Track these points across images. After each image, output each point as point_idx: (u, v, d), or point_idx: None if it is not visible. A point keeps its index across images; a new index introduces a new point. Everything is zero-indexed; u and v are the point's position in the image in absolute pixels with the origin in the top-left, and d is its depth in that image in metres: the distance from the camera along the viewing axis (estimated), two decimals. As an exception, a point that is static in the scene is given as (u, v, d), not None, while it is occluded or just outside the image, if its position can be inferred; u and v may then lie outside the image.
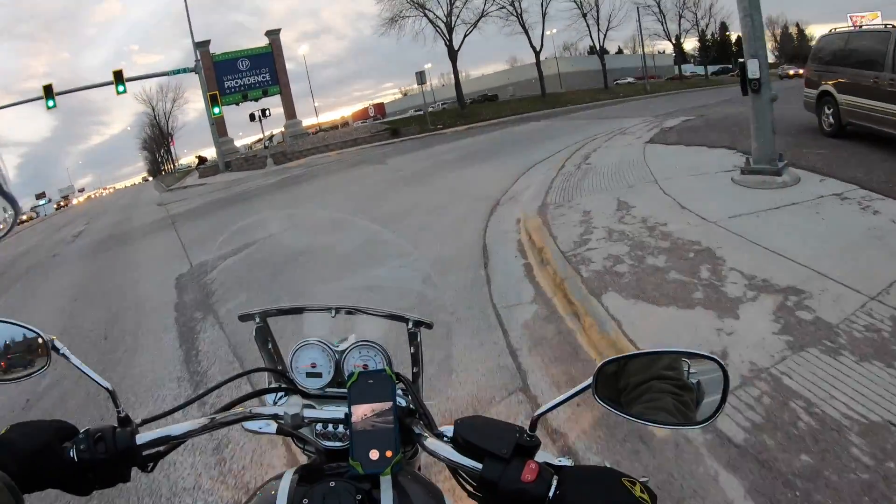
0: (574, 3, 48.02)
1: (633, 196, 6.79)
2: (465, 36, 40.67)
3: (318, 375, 1.06)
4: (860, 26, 10.44)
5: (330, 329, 1.14)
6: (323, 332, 1.12)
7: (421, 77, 33.87)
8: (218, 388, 1.00)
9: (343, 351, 1.08)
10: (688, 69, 69.13)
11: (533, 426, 0.81)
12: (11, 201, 0.38)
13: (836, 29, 9.44)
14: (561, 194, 7.53)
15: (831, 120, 8.91)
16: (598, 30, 50.50)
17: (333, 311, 1.14)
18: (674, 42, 58.86)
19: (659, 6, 55.33)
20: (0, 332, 0.94)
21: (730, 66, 73.88)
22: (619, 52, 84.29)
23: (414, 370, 1.12)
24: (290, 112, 38.22)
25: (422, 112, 39.04)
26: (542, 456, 0.78)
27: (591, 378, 0.82)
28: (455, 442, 0.82)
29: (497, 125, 27.01)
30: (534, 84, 53.37)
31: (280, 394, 1.08)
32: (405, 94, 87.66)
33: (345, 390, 0.92)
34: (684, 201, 6.14)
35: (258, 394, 1.01)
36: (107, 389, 0.90)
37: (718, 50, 67.94)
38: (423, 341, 1.13)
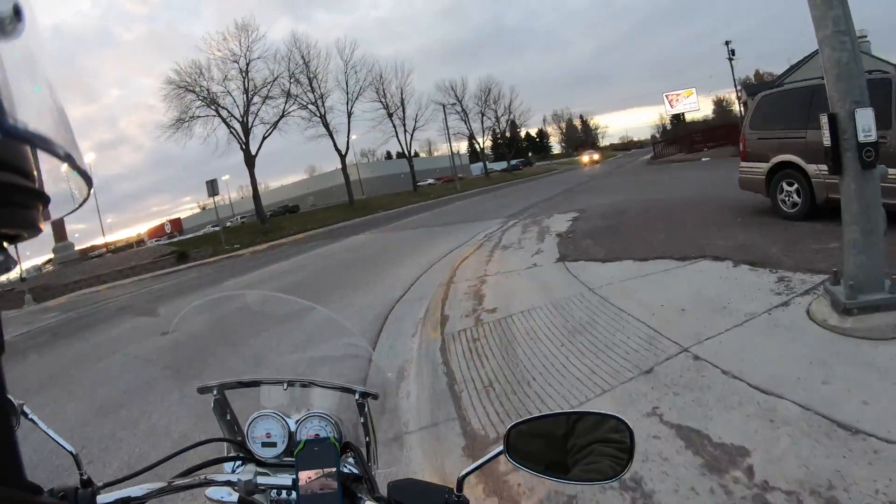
0: (380, 102, 46.62)
1: (701, 421, 2.75)
2: (265, 138, 34.99)
3: (273, 445, 1.10)
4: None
5: (283, 400, 1.17)
6: (278, 403, 1.16)
7: (212, 187, 27.31)
8: (178, 455, 1.02)
9: (296, 421, 1.11)
10: (478, 168, 73.48)
11: (459, 486, 0.89)
12: (85, 176, 0.37)
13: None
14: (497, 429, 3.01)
15: (795, 198, 6.94)
16: (405, 130, 49.46)
17: (286, 385, 1.18)
18: (477, 140, 61.91)
19: (461, 105, 57.48)
20: None
21: (523, 160, 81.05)
22: (416, 154, 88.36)
23: (366, 439, 1.15)
24: (59, 233, 28.96)
25: (218, 227, 33.43)
26: None
27: (502, 442, 0.92)
28: None
29: (307, 242, 22.29)
30: (335, 192, 50.70)
31: (238, 462, 1.11)
32: (203, 209, 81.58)
33: (294, 461, 1.01)
34: (827, 409, 2.63)
35: (217, 462, 1.06)
36: (71, 453, 0.96)
37: (509, 146, 73.48)
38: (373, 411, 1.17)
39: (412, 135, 49.69)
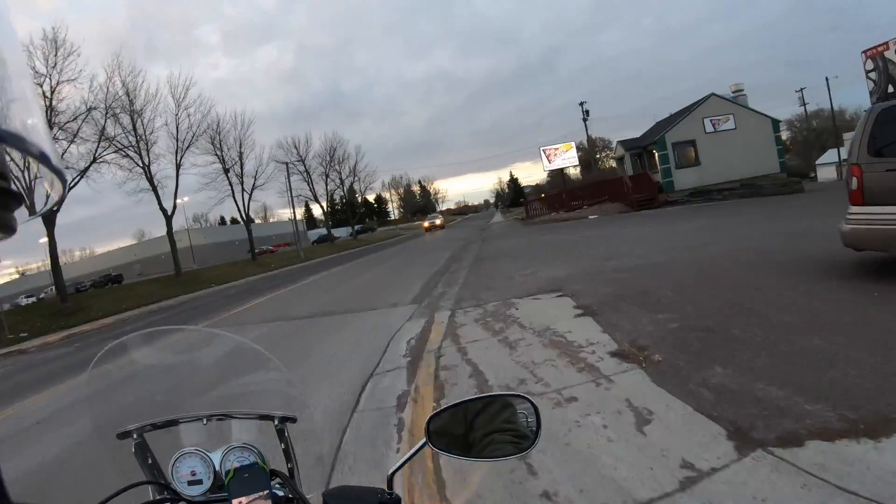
0: (216, 155, 38.75)
1: None
2: (69, 188, 25.45)
3: (199, 482, 1.08)
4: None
5: (204, 436, 1.15)
6: (198, 439, 1.14)
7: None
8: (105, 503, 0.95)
9: (220, 455, 1.09)
10: (315, 234, 68.47)
11: (390, 483, 0.97)
12: (60, 176, 0.38)
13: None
14: None
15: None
16: (243, 189, 41.56)
17: (205, 420, 1.15)
18: (320, 203, 55.59)
19: (304, 164, 51.65)
20: None
21: (362, 225, 77.39)
22: (251, 220, 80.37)
23: (289, 465, 1.15)
24: None
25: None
26: None
27: (424, 436, 1.01)
28: None
29: (112, 330, 15.73)
30: (164, 260, 42.40)
31: None
32: (22, 274, 69.55)
33: (225, 494, 1.00)
34: None
35: None
36: None
37: (351, 211, 69.14)
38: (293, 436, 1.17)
39: (251, 195, 41.96)
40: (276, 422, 1.14)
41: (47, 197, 0.39)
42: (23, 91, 0.33)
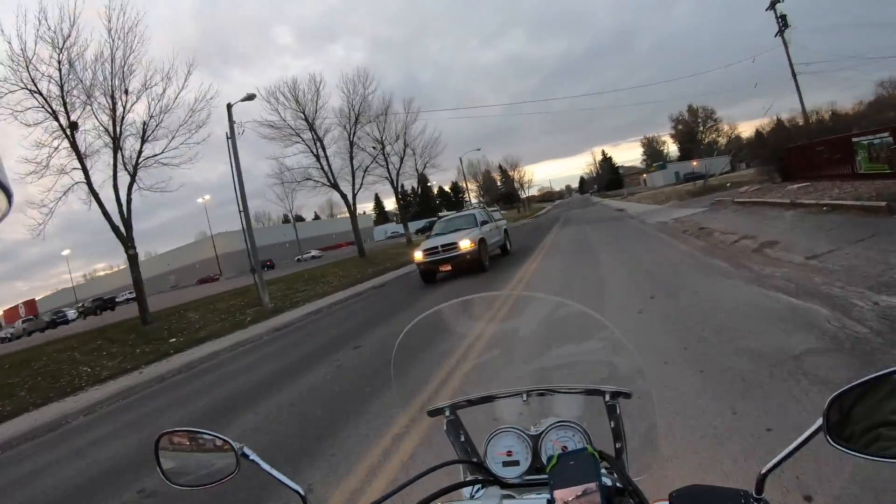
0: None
1: None
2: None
3: (516, 463, 1.02)
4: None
5: (522, 413, 1.09)
6: (515, 417, 1.09)
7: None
8: (413, 483, 0.91)
9: (539, 435, 1.03)
10: (382, 232, 57.67)
11: (759, 488, 0.76)
12: (6, 190, 0.36)
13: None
14: None
15: None
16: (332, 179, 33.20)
17: (524, 395, 1.10)
18: (396, 190, 43.25)
19: (383, 148, 39.39)
20: (194, 440, 1.02)
21: (433, 218, 65.59)
22: (300, 218, 71.74)
23: (617, 446, 1.06)
24: None
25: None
26: None
27: (821, 418, 0.71)
28: None
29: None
30: (199, 269, 33.95)
31: (477, 486, 1.03)
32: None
33: (545, 476, 0.90)
34: None
35: (455, 487, 0.96)
36: (298, 493, 0.94)
37: (421, 204, 58.45)
38: (623, 413, 1.05)
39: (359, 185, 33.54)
40: (608, 397, 1.04)
41: None
42: None
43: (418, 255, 14.72)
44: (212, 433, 1.00)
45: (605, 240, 15.77)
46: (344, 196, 33.75)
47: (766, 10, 23.11)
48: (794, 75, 21.73)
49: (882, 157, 11.04)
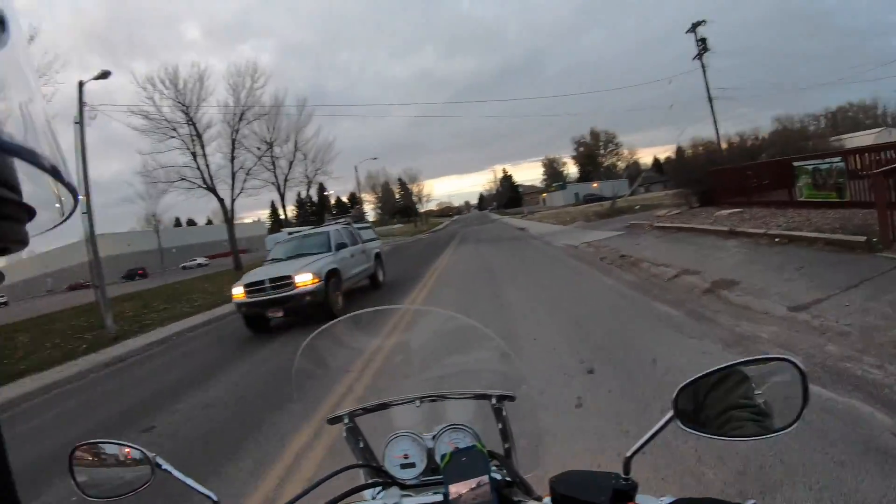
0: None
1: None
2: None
3: (413, 465, 1.07)
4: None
5: (417, 419, 1.14)
6: (410, 422, 1.14)
7: None
8: (315, 488, 0.96)
9: (433, 438, 1.09)
10: (272, 240, 53.14)
11: (626, 468, 0.83)
12: (71, 189, 0.38)
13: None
14: None
15: None
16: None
17: (418, 402, 1.15)
18: (281, 200, 38.68)
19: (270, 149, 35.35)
20: (107, 451, 1.04)
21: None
22: (193, 223, 65.50)
23: (506, 446, 1.12)
24: None
25: None
26: (642, 498, 0.81)
27: (671, 410, 0.83)
28: (554, 501, 0.83)
29: None
30: (80, 271, 31.59)
31: (378, 488, 1.07)
32: None
33: (440, 476, 0.96)
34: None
35: (357, 490, 1.00)
36: (211, 499, 0.96)
37: (318, 214, 54.58)
38: (510, 416, 1.12)
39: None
40: (494, 401, 1.12)
41: (61, 210, 0.39)
42: (35, 106, 0.34)
43: (237, 292, 9.55)
44: (126, 443, 1.01)
45: (508, 266, 13.25)
46: (221, 201, 29.90)
47: (687, 31, 22.54)
48: (710, 99, 21.30)
49: (830, 184, 9.67)
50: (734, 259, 7.97)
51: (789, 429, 0.78)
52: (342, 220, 14.33)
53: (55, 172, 0.34)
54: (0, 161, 0.32)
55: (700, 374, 0.83)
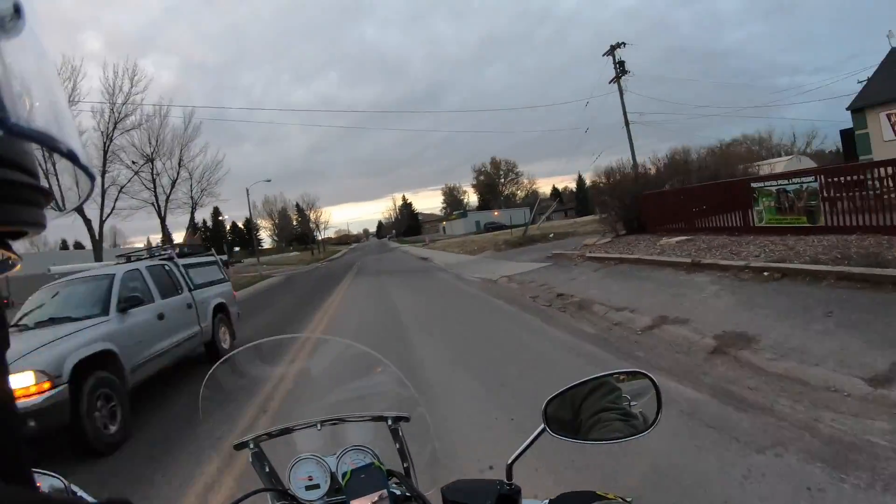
0: None
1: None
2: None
3: (317, 486, 1.09)
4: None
5: (319, 442, 1.17)
6: (313, 445, 1.17)
7: None
8: None
9: (335, 459, 1.12)
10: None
11: (509, 475, 0.93)
12: (88, 173, 0.38)
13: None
14: None
15: None
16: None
17: (319, 425, 1.18)
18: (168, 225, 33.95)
19: (152, 164, 30.31)
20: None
21: (230, 254, 56.28)
22: (80, 246, 57.01)
23: (404, 465, 1.16)
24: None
25: None
26: (526, 502, 0.91)
27: (542, 422, 0.96)
28: None
29: None
30: None
31: None
32: None
33: (343, 497, 1.04)
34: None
35: None
36: (59, 479, 0.92)
37: (213, 240, 49.63)
38: (407, 436, 1.17)
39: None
40: (390, 422, 1.16)
41: (77, 194, 0.39)
42: (52, 92, 0.34)
43: None
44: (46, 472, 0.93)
45: (418, 309, 10.31)
46: (88, 222, 25.41)
47: (604, 55, 22.27)
48: (626, 124, 20.99)
49: (798, 207, 8.65)
50: (722, 300, 6.43)
51: (647, 431, 0.95)
52: (160, 253, 8.12)
53: (72, 157, 0.34)
54: (18, 146, 0.33)
55: (566, 387, 0.99)
